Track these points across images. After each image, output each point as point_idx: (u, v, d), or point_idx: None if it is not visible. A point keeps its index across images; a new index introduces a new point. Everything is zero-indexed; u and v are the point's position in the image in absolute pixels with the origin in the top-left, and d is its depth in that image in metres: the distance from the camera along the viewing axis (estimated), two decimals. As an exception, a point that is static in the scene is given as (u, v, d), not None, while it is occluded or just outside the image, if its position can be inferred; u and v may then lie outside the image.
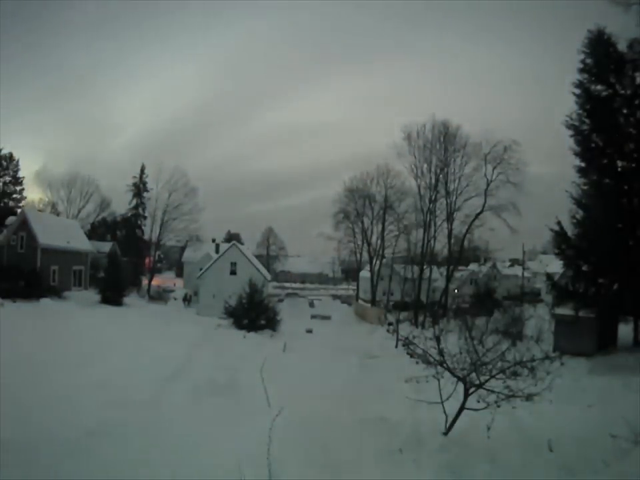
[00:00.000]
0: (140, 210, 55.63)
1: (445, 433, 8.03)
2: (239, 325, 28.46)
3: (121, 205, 57.56)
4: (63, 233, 35.31)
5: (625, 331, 22.33)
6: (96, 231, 56.41)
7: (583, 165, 22.26)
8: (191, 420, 8.92)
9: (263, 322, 29.03)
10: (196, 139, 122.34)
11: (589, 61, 21.54)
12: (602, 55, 21.13)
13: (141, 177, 55.24)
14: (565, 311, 22.37)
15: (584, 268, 22.47)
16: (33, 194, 56.14)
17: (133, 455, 6.87)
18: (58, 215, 51.02)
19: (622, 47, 20.80)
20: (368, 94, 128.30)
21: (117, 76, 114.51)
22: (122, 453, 6.91)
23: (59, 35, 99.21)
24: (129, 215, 56.33)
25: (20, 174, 50.84)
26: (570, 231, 22.90)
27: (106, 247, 49.78)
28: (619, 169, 21.72)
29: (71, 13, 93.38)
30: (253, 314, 28.95)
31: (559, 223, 22.88)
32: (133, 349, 16.56)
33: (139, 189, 55.31)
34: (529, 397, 7.76)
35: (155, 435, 7.86)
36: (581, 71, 21.76)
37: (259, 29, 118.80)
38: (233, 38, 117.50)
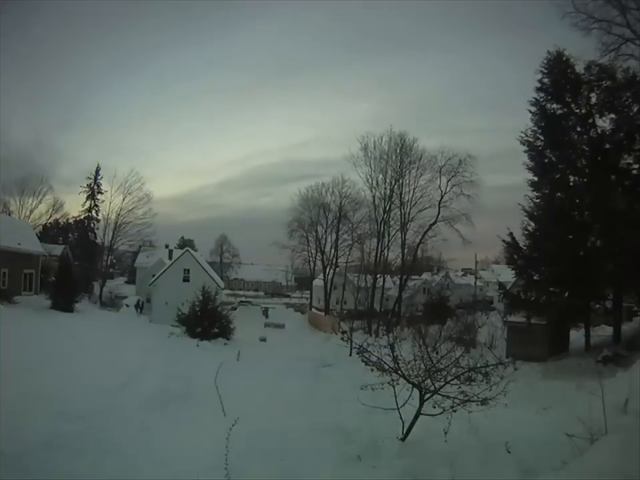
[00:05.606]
0: (93, 212, 53.37)
1: (403, 439, 8.08)
2: (192, 333, 27.81)
3: (75, 206, 55.44)
4: (13, 234, 33.46)
5: (576, 337, 23.22)
6: (48, 233, 53.97)
7: (535, 179, 23.19)
8: (146, 431, 8.64)
9: (216, 330, 28.39)
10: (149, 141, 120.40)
11: (546, 80, 22.51)
12: (559, 75, 22.10)
13: (95, 178, 53.07)
14: (517, 318, 23.22)
15: (535, 277, 23.27)
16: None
17: (89, 468, 6.69)
18: (9, 214, 48.68)
19: (579, 68, 21.88)
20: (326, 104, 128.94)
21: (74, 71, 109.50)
22: (78, 466, 6.69)
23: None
24: (82, 217, 54.06)
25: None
26: (522, 242, 23.69)
27: (57, 250, 47.13)
28: (571, 184, 22.69)
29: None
30: (206, 322, 28.31)
31: (510, 234, 23.68)
32: (84, 357, 15.81)
33: (93, 190, 53.10)
34: (484, 402, 7.93)
35: (111, 446, 7.60)
36: (538, 89, 22.72)
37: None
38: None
